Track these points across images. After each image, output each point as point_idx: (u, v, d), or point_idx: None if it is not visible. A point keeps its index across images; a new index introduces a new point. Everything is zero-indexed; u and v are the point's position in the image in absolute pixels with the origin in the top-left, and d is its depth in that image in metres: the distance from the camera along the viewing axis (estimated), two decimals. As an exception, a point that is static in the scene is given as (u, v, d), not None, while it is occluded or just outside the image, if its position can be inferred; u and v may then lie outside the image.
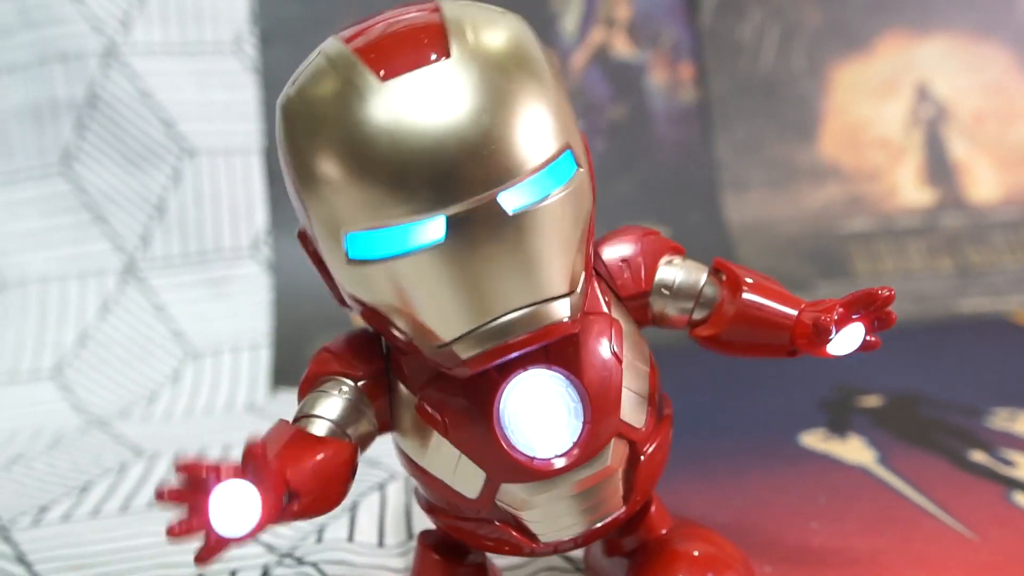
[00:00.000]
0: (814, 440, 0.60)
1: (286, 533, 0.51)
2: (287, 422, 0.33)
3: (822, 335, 0.34)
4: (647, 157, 0.96)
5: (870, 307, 0.35)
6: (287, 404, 0.77)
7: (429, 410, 0.33)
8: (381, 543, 0.49)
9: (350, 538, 0.49)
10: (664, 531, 0.39)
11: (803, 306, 0.36)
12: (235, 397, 0.78)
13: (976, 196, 0.96)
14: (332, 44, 0.32)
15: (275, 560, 0.48)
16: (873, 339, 0.36)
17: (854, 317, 0.35)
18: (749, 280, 0.37)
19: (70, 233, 0.85)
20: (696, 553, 0.38)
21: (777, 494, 0.52)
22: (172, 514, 0.28)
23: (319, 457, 0.32)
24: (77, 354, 0.81)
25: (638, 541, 0.39)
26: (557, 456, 0.33)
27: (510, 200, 0.30)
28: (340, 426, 0.34)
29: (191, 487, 0.27)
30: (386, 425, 0.35)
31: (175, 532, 0.27)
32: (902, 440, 0.58)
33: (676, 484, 0.54)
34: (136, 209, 0.86)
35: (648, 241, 0.38)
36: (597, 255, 0.37)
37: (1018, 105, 0.98)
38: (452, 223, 0.29)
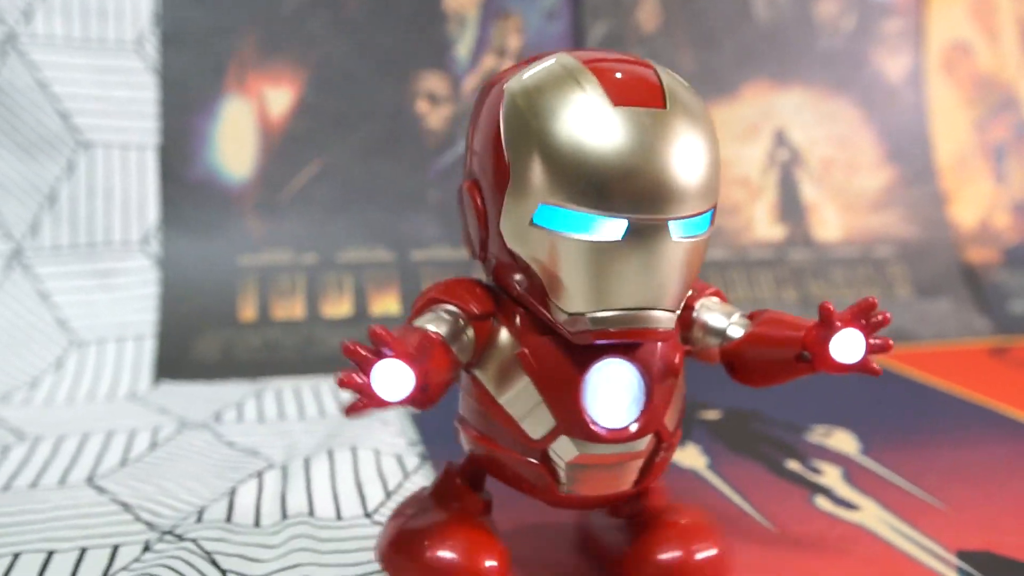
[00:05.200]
0: (656, 446, 0.67)
1: (166, 513, 0.55)
2: (424, 329, 0.40)
3: (827, 320, 0.41)
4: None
5: (868, 315, 0.41)
6: (169, 395, 0.80)
7: (531, 359, 0.41)
8: (257, 524, 0.53)
9: (228, 519, 0.53)
10: (663, 504, 0.47)
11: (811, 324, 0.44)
12: (118, 386, 0.81)
13: (821, 234, 1.06)
14: (566, 58, 0.40)
15: (156, 537, 0.52)
16: (875, 365, 0.42)
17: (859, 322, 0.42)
18: (764, 314, 0.45)
19: (-43, 217, 0.86)
20: (683, 522, 0.46)
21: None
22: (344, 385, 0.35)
23: (445, 363, 0.40)
24: (-43, 337, 0.82)
25: (639, 507, 0.47)
26: (614, 429, 0.41)
27: (676, 228, 0.38)
28: (448, 343, 0.41)
29: (363, 357, 0.36)
30: (474, 359, 0.42)
31: (343, 383, 0.35)
32: (731, 449, 0.66)
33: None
34: (27, 197, 0.87)
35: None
36: None
37: (860, 156, 1.09)
38: (631, 229, 0.38)
